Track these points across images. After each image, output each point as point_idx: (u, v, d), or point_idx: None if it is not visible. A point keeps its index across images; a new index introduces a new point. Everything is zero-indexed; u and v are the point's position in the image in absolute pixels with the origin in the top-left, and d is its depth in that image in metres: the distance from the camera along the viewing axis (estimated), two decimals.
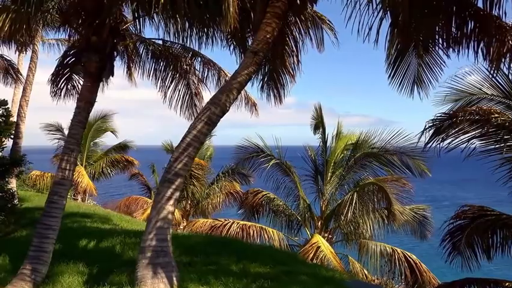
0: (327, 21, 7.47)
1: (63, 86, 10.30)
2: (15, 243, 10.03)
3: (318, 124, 15.77)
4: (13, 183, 14.96)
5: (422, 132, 7.00)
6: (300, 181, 15.11)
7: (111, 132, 22.43)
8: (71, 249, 8.48)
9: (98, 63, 7.80)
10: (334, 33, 7.61)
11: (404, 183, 12.64)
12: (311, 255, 11.77)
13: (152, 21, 8.19)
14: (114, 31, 7.99)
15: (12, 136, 11.71)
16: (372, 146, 14.60)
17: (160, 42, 9.94)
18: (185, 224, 19.95)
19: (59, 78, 10.06)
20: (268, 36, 5.60)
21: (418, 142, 7.22)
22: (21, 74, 18.40)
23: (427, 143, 7.06)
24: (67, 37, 8.70)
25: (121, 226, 13.71)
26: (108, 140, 23.58)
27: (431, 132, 7.00)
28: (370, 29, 6.28)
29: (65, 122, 23.37)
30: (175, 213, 19.11)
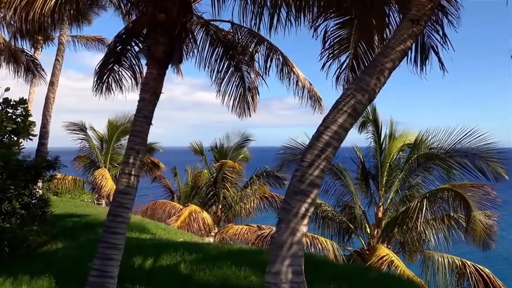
0: None
1: (105, 79, 9.02)
2: (53, 259, 8.74)
3: (366, 122, 14.38)
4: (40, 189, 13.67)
5: None
6: (354, 185, 13.73)
7: None
8: (126, 269, 7.11)
9: (165, 46, 6.46)
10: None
11: (488, 191, 11.18)
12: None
13: None
14: (185, 8, 6.65)
15: (31, 137, 10.44)
16: (431, 147, 13.21)
17: (223, 25, 8.64)
18: (216, 230, 18.54)
19: (104, 68, 8.78)
20: None
21: None
22: (43, 70, 17.10)
23: None
24: (125, 15, 7.30)
25: (159, 235, 12.45)
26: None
27: None
28: None
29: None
30: (208, 219, 18.00)
